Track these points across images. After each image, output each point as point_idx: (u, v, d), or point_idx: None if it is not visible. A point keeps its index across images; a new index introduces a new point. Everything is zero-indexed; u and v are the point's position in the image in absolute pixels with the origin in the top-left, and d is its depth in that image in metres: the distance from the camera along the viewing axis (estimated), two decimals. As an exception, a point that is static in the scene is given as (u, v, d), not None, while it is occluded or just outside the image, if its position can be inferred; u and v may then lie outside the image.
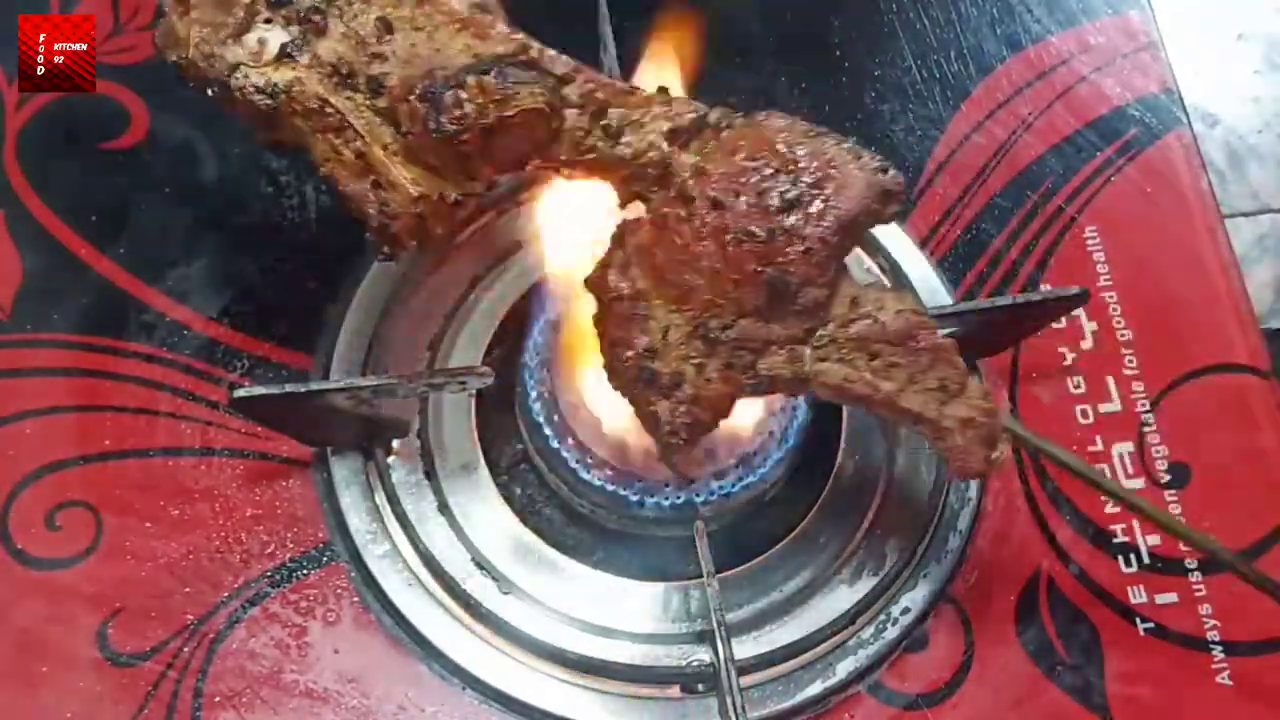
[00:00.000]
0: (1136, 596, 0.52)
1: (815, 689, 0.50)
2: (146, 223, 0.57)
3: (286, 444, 0.53)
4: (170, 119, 0.59)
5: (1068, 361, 0.57)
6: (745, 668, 0.49)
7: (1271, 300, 1.05)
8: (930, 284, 0.58)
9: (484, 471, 0.53)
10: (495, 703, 0.49)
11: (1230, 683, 0.51)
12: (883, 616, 0.51)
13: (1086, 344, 0.58)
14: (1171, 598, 0.52)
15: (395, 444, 0.53)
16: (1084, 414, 0.56)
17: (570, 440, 0.52)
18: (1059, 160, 0.62)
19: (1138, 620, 0.52)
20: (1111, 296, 0.59)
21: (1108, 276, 0.59)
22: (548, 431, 0.52)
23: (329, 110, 0.44)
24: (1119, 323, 0.58)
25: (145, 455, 0.52)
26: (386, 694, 0.49)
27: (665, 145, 0.43)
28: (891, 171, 0.42)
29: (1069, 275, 0.59)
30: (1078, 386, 0.57)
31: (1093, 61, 0.65)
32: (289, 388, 0.48)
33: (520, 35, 0.45)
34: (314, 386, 0.50)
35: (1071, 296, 0.52)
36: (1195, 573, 0.53)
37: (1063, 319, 0.57)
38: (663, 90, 0.45)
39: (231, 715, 0.48)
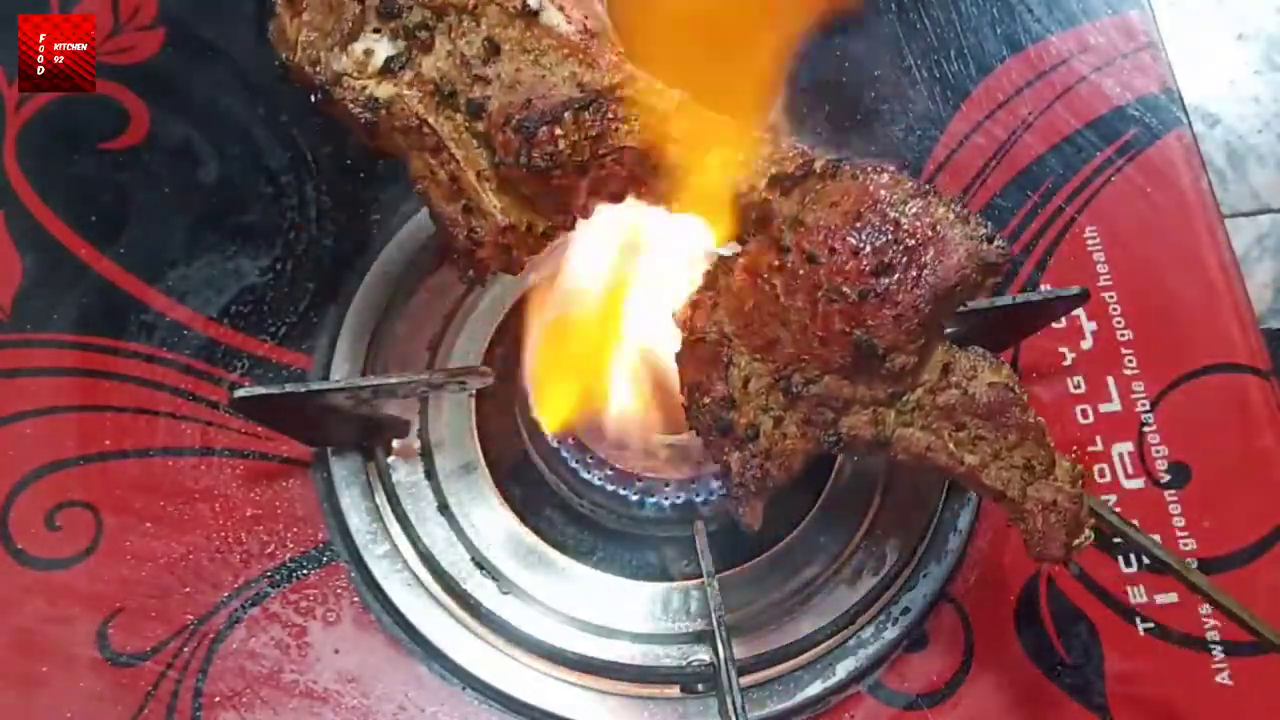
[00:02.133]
0: (1136, 596, 0.52)
1: (815, 689, 0.50)
2: (146, 223, 0.57)
3: (286, 444, 0.53)
4: (170, 119, 0.59)
5: (1068, 361, 0.57)
6: (745, 668, 0.49)
7: (1271, 300, 1.04)
8: (930, 284, 0.58)
9: (484, 471, 0.53)
10: (495, 703, 0.49)
11: (1230, 683, 0.51)
12: (883, 616, 0.51)
13: (1086, 344, 0.58)
14: (1171, 598, 0.52)
15: (395, 444, 0.53)
16: (1084, 414, 0.56)
17: (570, 440, 0.52)
18: (1059, 160, 0.62)
19: (1138, 620, 0.52)
20: (1111, 296, 0.59)
21: (1108, 276, 0.59)
22: (548, 431, 0.52)
23: (426, 130, 0.43)
24: (1119, 323, 0.58)
25: (145, 455, 0.52)
26: (386, 694, 0.49)
27: (766, 189, 0.42)
28: (997, 241, 0.40)
29: (1069, 275, 0.59)
30: (1078, 386, 0.57)
31: (1093, 61, 0.65)
32: (289, 388, 0.48)
33: (628, 66, 0.43)
34: (314, 386, 0.50)
35: (1071, 296, 0.52)
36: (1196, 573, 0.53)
37: (1063, 319, 0.57)
38: (771, 130, 0.44)
39: (231, 715, 0.48)
